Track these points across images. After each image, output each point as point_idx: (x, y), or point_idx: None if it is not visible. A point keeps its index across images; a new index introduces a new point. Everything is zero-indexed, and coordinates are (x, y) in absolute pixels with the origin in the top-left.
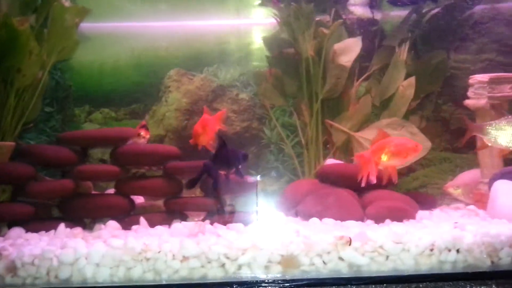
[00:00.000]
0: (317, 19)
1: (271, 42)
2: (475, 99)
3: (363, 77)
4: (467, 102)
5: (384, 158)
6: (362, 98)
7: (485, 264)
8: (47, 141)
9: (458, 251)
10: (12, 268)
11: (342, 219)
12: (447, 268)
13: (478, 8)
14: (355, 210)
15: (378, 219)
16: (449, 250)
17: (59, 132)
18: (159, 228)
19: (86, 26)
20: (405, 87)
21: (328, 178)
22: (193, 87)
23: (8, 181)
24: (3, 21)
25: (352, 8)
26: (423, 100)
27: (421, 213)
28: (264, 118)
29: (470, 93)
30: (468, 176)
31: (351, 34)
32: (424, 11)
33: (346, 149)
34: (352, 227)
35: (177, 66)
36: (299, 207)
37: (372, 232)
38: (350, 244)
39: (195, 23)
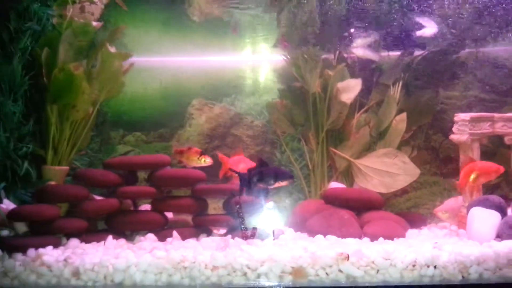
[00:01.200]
0: (323, 57)
1: (282, 76)
2: (459, 134)
3: (362, 110)
4: (452, 137)
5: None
6: (361, 130)
7: (457, 278)
8: (88, 162)
9: (435, 267)
10: (76, 273)
11: (343, 236)
12: (426, 281)
13: (464, 51)
14: (354, 229)
15: (373, 237)
16: (428, 266)
17: (98, 152)
18: (190, 241)
19: None
20: (397, 121)
21: (332, 200)
22: (213, 115)
23: (66, 200)
24: (61, 67)
25: (354, 49)
26: (415, 131)
27: (411, 231)
28: (275, 143)
29: (454, 129)
30: (454, 201)
31: (352, 72)
32: (415, 54)
33: (347, 174)
34: (350, 244)
35: (199, 96)
36: (307, 224)
37: (366, 249)
38: (348, 259)
39: (215, 58)
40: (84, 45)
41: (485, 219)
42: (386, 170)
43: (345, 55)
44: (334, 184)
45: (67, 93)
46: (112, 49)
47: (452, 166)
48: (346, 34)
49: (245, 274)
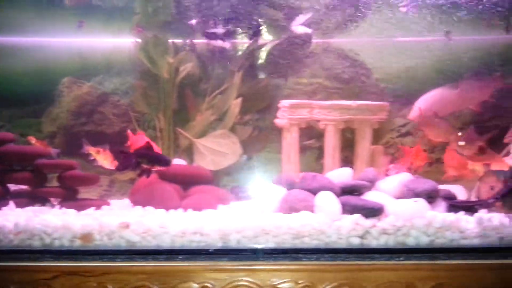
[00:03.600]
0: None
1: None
2: (280, 119)
3: (213, 94)
4: (276, 121)
5: None
6: (204, 113)
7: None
8: None
9: (201, 234)
10: None
11: (157, 207)
12: (194, 246)
13: (314, 41)
14: (172, 201)
15: (186, 209)
16: (195, 233)
17: None
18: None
19: None
20: (234, 105)
21: (163, 175)
22: (81, 93)
23: None
24: None
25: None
26: (260, 113)
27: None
28: (139, 121)
29: (278, 114)
30: None
31: (203, 58)
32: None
33: (190, 152)
34: (155, 213)
35: (70, 75)
36: (134, 196)
37: (147, 219)
38: (128, 228)
39: (86, 39)
40: None
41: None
42: (219, 150)
43: (195, 42)
44: (177, 161)
45: None
46: None
47: None
48: (198, 22)
49: (41, 238)
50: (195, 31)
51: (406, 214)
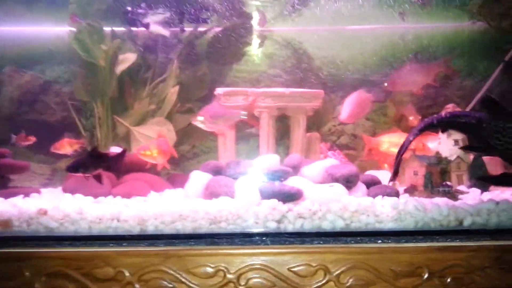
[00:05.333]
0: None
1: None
2: None
3: (154, 83)
4: None
5: None
6: (143, 101)
7: (135, 229)
8: None
9: (118, 220)
10: None
11: (91, 195)
12: (111, 232)
13: (257, 28)
14: (102, 189)
15: (116, 195)
16: (112, 220)
17: None
18: None
19: None
20: (171, 93)
21: None
22: (23, 82)
23: None
24: None
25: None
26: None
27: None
28: (81, 110)
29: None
30: None
31: (141, 47)
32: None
33: (128, 140)
34: (81, 200)
35: (12, 64)
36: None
37: (65, 204)
38: (46, 214)
39: (30, 28)
40: None
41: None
42: (154, 137)
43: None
44: (113, 149)
45: None
46: None
47: None
48: (135, 10)
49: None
50: (130, 19)
51: (323, 198)
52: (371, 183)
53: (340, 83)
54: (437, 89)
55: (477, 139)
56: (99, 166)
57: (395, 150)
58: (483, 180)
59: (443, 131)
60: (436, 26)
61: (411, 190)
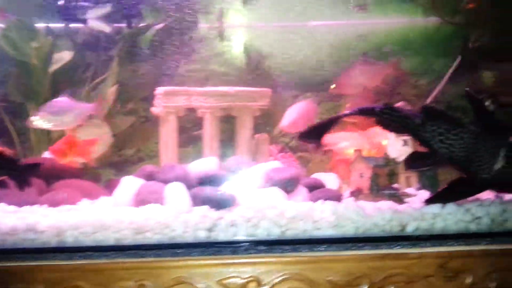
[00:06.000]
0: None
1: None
2: (156, 107)
3: (94, 82)
4: (152, 109)
5: None
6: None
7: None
8: None
9: (34, 231)
10: None
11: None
12: (26, 245)
13: (206, 25)
14: (30, 197)
15: (43, 204)
16: (28, 231)
17: None
18: None
19: None
20: (109, 93)
21: None
22: None
23: None
24: None
25: (91, 23)
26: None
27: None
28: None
29: (154, 102)
30: None
31: (81, 45)
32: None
33: None
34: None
35: None
36: None
37: None
38: None
39: None
40: None
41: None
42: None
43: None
44: (46, 154)
45: None
46: None
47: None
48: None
49: None
50: (66, 14)
51: (258, 204)
52: (314, 187)
53: (294, 82)
54: (391, 88)
55: (420, 141)
56: (3, 172)
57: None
58: (431, 203)
59: (382, 125)
60: (390, 22)
61: (357, 193)
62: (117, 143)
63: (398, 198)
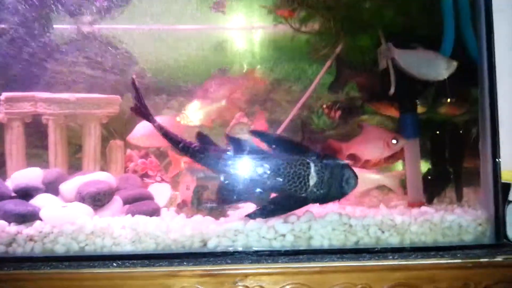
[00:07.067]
0: None
1: None
2: None
3: None
4: None
5: None
6: None
7: None
8: None
9: None
10: None
11: None
12: None
13: (72, 27)
14: None
15: None
16: None
17: None
18: None
19: None
20: None
21: None
22: None
23: None
24: None
25: None
26: None
27: None
28: None
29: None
30: None
31: None
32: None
33: None
34: None
35: None
36: None
37: None
38: None
39: None
40: None
41: None
42: None
43: None
44: None
45: None
46: None
47: None
48: None
49: None
50: None
51: (59, 220)
52: (137, 200)
53: (163, 87)
54: (266, 94)
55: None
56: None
57: None
58: (253, 217)
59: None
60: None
61: (182, 206)
62: None
63: (219, 212)
